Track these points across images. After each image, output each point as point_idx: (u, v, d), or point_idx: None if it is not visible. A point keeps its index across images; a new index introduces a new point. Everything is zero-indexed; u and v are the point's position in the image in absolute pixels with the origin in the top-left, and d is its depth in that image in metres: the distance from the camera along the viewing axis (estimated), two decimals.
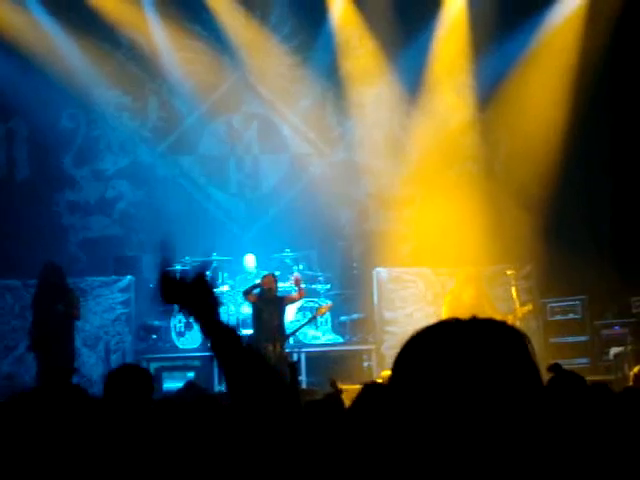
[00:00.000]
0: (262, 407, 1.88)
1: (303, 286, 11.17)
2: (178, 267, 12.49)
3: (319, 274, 13.06)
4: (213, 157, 14.52)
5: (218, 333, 1.97)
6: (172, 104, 14.39)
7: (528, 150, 13.15)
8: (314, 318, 11.55)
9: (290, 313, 11.80)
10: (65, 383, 9.23)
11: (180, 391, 5.92)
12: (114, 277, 12.24)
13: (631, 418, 3.42)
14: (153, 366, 11.72)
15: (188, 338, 12.21)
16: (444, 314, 10.46)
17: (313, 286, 12.68)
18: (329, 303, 11.96)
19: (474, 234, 12.41)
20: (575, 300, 12.41)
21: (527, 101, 13.39)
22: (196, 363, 11.86)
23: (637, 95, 13.29)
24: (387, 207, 14.38)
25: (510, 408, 1.30)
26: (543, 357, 10.03)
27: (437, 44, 13.94)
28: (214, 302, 2.02)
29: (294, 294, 11.07)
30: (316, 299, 12.43)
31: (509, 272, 11.16)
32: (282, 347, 10.39)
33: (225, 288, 12.51)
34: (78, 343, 10.74)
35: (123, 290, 12.07)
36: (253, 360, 1.95)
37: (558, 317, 12.40)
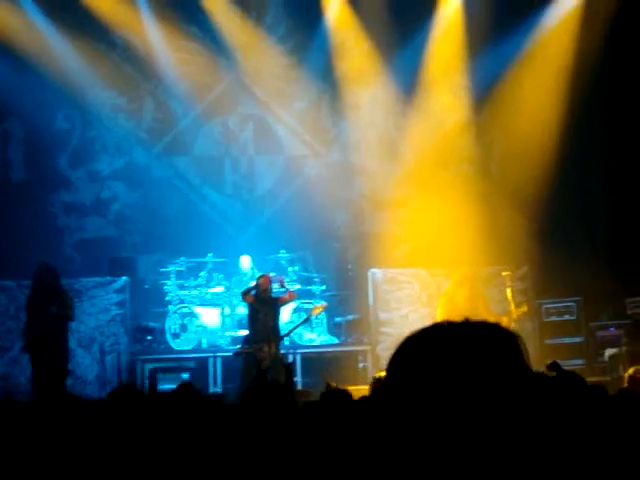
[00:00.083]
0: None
1: (290, 287, 11.22)
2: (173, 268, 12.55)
3: (314, 275, 13.04)
4: (208, 158, 14.50)
5: None
6: (167, 105, 14.38)
7: (523, 151, 13.17)
8: (308, 319, 11.56)
9: (286, 314, 11.83)
10: (58, 387, 9.22)
11: (174, 392, 5.91)
12: (109, 278, 12.21)
13: (626, 420, 3.43)
14: (148, 367, 11.73)
15: (183, 339, 12.22)
16: (438, 316, 10.47)
17: (308, 287, 12.69)
18: (324, 303, 11.96)
19: (469, 235, 12.42)
20: (570, 301, 12.42)
21: (522, 102, 13.41)
22: (191, 364, 11.87)
23: (632, 96, 13.32)
24: (382, 208, 14.38)
25: (502, 409, 1.30)
26: (538, 358, 10.04)
27: (432, 45, 13.95)
28: None
29: (285, 296, 11.10)
30: (312, 300, 12.43)
31: (504, 273, 11.19)
32: (277, 348, 10.42)
33: (220, 289, 12.52)
34: (73, 344, 10.73)
35: (118, 291, 12.05)
36: None
37: (553, 318, 12.41)
